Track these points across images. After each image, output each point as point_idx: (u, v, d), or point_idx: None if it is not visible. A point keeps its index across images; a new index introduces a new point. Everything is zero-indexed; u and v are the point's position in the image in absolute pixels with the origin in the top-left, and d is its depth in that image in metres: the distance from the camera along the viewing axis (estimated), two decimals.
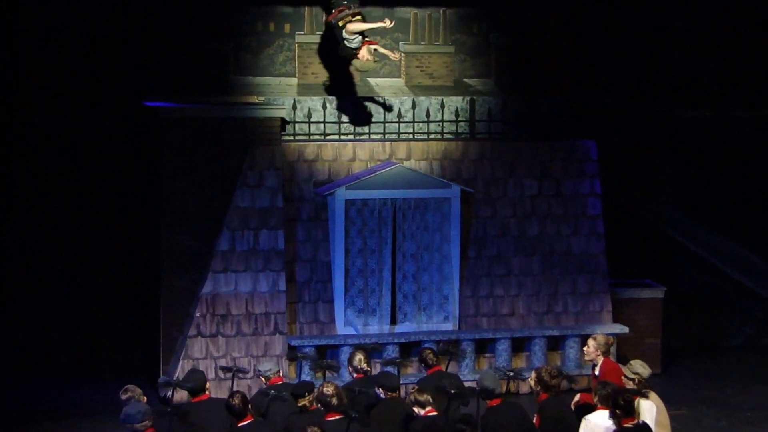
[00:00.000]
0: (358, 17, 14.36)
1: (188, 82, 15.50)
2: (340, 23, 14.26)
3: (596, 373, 12.02)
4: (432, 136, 15.93)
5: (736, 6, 17.56)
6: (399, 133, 15.86)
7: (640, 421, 10.47)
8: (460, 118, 16.05)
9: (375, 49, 14.48)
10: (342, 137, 15.63)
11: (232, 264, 14.80)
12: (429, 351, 12.45)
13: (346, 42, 14.31)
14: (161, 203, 14.83)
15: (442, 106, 15.93)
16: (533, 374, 11.25)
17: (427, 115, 15.96)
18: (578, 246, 15.92)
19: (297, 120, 15.56)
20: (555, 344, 15.65)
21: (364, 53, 14.32)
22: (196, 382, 11.32)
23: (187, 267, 14.76)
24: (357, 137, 15.67)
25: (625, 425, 10.26)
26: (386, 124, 15.86)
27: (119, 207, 16.01)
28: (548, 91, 16.47)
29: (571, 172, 15.93)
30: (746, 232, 18.07)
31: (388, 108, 15.65)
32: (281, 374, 12.17)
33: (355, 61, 14.54)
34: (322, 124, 15.63)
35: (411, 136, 15.87)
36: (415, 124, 15.98)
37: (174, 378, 13.74)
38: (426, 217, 15.37)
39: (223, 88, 15.59)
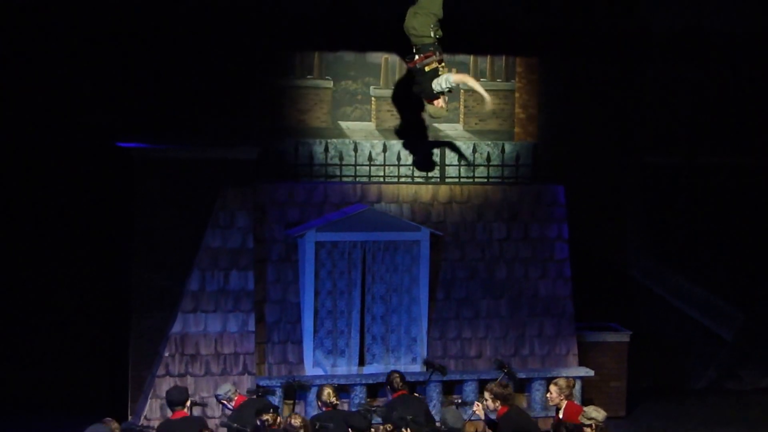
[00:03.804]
0: (443, 63, 14.41)
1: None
2: (427, 68, 14.29)
3: (560, 416, 12.17)
4: (402, 180, 16.09)
5: (703, 55, 17.78)
6: (370, 176, 16.00)
7: None
8: None
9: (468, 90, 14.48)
10: (314, 179, 15.78)
11: (201, 304, 14.86)
12: (396, 375, 12.80)
13: (439, 85, 14.31)
14: (133, 242, 14.90)
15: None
16: (486, 394, 11.65)
17: (398, 158, 16.12)
18: (545, 289, 16.05)
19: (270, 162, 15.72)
20: (521, 386, 15.74)
21: (440, 102, 14.45)
22: (177, 395, 11.59)
23: (157, 306, 14.81)
24: (328, 179, 15.82)
25: None
26: (357, 167, 16.00)
27: (91, 245, 16.06)
28: (517, 137, 16.66)
29: (539, 216, 16.08)
30: (711, 277, 18.22)
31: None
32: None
33: (428, 108, 14.61)
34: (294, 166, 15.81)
35: (382, 179, 16.02)
36: (386, 167, 16.15)
37: (140, 420, 13.84)
38: (395, 259, 15.45)
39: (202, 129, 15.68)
